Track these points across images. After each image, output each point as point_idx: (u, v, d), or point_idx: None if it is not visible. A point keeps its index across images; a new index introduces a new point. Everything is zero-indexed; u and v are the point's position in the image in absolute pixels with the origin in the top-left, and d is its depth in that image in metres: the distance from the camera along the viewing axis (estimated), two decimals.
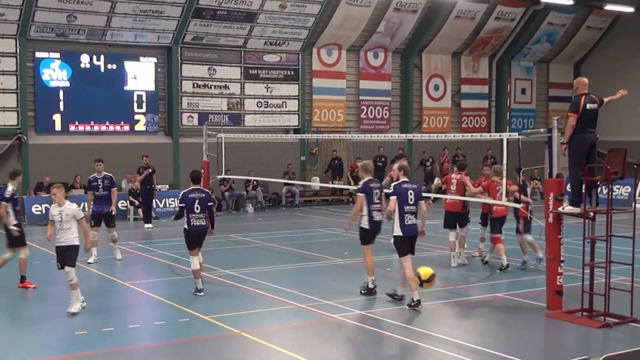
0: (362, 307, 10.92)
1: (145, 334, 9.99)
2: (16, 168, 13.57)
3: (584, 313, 10.27)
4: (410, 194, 10.89)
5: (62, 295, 12.26)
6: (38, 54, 23.32)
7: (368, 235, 11.62)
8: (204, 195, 11.94)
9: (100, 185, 14.93)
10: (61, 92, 23.68)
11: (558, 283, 10.51)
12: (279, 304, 11.24)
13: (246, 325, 9.95)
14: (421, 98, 30.46)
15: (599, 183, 10.58)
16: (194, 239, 11.98)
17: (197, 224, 11.84)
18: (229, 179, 23.79)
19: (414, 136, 24.71)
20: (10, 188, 12.64)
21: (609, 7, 29.70)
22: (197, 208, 11.75)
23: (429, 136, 27.57)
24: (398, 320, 10.14)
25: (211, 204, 12.13)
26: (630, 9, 29.65)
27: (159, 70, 25.16)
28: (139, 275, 13.89)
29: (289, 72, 27.45)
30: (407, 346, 9.09)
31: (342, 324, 10.10)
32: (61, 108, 23.69)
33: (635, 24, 31.18)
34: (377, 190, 11.61)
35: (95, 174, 15.08)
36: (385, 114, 29.65)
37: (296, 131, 27.24)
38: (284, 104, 27.45)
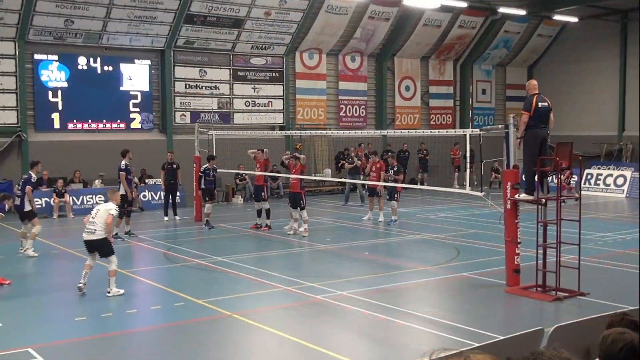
0: (342, 288, 11.00)
1: (143, 318, 9.86)
2: (125, 148, 17.44)
3: (539, 288, 10.53)
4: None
5: (59, 284, 12.13)
6: (37, 56, 22.84)
7: None
8: None
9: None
10: (59, 92, 23.25)
11: (516, 262, 10.76)
12: (267, 287, 11.24)
13: (237, 307, 9.90)
14: (394, 98, 30.72)
15: (549, 173, 10.88)
16: None
17: None
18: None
19: (387, 132, 24.96)
20: (123, 162, 16.63)
21: (557, 17, 30.49)
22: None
23: (401, 132, 28.02)
24: (375, 299, 10.25)
25: None
26: (575, 19, 30.54)
27: (153, 72, 25.05)
28: (135, 263, 13.83)
29: (274, 74, 27.51)
30: (384, 322, 9.21)
31: (325, 304, 10.14)
32: (60, 107, 23.26)
33: (579, 33, 31.89)
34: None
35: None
36: (362, 112, 29.86)
37: (281, 128, 27.34)
38: (270, 103, 27.53)
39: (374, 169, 19.28)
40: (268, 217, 17.70)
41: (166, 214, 20.09)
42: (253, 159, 18.61)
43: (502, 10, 28.91)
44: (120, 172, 16.67)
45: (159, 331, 9.18)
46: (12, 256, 14.16)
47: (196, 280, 12.02)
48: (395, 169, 19.28)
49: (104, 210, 10.72)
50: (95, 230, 10.66)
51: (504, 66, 34.31)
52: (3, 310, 10.10)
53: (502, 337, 4.92)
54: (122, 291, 10.75)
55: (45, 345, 8.24)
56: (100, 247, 10.76)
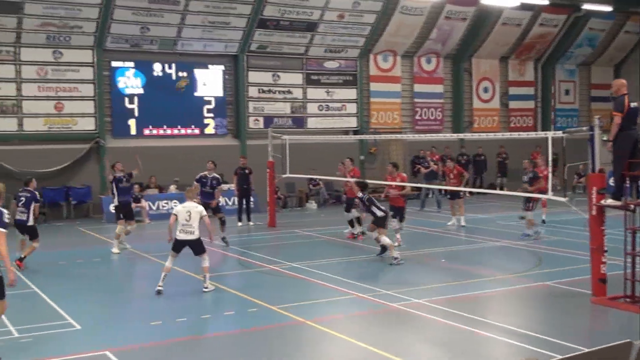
0: (419, 296, 10.92)
1: (216, 323, 10.01)
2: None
3: (627, 299, 10.21)
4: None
5: (135, 288, 12.62)
6: (114, 64, 23.67)
7: None
8: (29, 194, 13.76)
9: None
10: (136, 98, 24.00)
11: (602, 271, 10.48)
12: (341, 294, 11.26)
13: (310, 314, 9.94)
14: (471, 100, 30.31)
15: None
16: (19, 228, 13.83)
17: (18, 217, 13.70)
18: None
19: (465, 135, 24.64)
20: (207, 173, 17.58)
21: None
22: (20, 203, 13.69)
23: (479, 135, 27.48)
24: (452, 308, 10.14)
25: (36, 202, 13.94)
26: None
27: (226, 77, 25.56)
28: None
29: (347, 77, 27.62)
30: (462, 332, 9.10)
31: (401, 312, 10.08)
32: (136, 114, 24.03)
33: None
34: None
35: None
36: (439, 115, 29.59)
37: (355, 132, 27.40)
38: (344, 107, 27.63)
39: (452, 176, 19.15)
40: (360, 224, 17.42)
41: (240, 220, 20.40)
42: (344, 175, 18.15)
43: (586, 6, 28.12)
44: (196, 182, 17.00)
45: (233, 337, 9.32)
46: (106, 258, 14.76)
47: (270, 286, 12.16)
48: (531, 175, 16.80)
49: (196, 212, 11.59)
50: (193, 231, 11.59)
51: (588, 65, 33.33)
52: (82, 311, 10.46)
53: (587, 350, 4.79)
54: (213, 287, 11.63)
55: (121, 350, 8.52)
56: (196, 246, 11.70)
